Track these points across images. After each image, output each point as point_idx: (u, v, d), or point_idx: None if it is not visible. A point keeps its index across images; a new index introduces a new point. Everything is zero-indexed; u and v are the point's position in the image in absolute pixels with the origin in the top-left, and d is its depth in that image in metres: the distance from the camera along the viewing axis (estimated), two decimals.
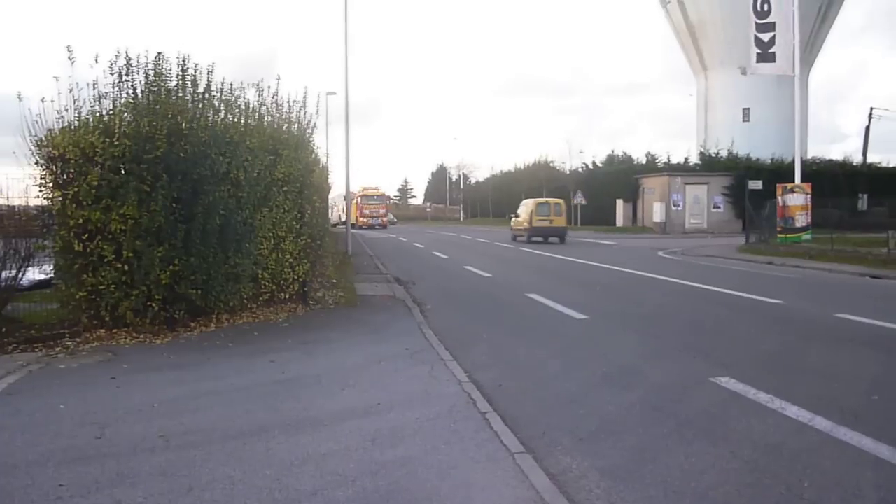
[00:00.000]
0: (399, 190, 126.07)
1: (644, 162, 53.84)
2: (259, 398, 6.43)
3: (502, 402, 6.21)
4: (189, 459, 4.86)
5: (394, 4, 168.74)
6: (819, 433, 5.26)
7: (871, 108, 46.59)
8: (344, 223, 64.74)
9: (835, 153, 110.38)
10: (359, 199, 63.73)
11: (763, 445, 5.06)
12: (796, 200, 25.29)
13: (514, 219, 36.40)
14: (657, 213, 44.68)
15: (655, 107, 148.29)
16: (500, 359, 8.26)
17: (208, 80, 10.25)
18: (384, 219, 66.21)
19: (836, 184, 37.27)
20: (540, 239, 32.69)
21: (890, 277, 16.13)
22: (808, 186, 25.53)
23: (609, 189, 50.17)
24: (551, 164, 65.78)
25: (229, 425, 5.63)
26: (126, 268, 9.06)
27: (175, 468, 4.72)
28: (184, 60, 9.94)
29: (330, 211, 61.02)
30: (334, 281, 14.68)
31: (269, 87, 11.86)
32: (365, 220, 63.67)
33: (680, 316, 11.25)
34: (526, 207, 34.45)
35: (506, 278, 17.21)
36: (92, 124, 9.32)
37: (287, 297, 11.38)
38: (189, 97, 9.97)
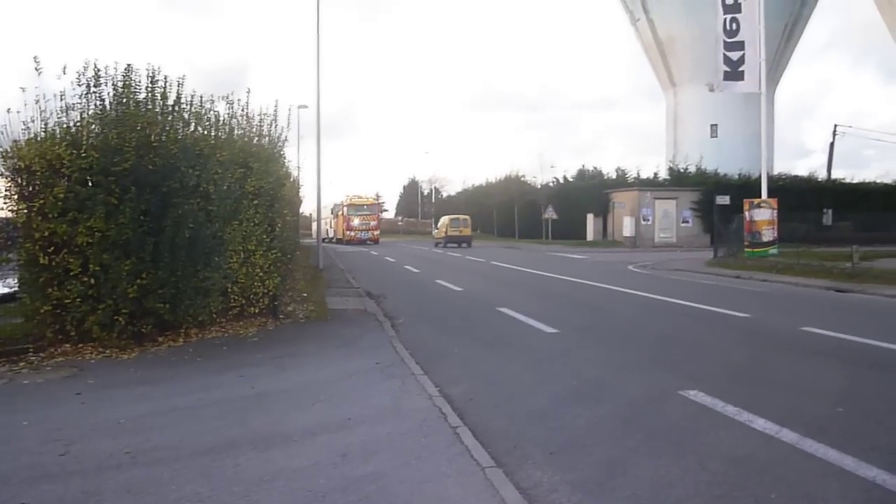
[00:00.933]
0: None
1: (614, 177, 54.34)
2: (228, 413, 6.37)
3: (473, 417, 6.21)
4: (156, 476, 4.79)
5: (366, 19, 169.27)
6: (786, 445, 5.33)
7: (836, 126, 47.66)
8: (331, 238, 61.02)
9: (800, 169, 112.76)
10: (345, 209, 57.37)
11: (731, 458, 5.11)
12: (763, 215, 25.67)
13: (435, 230, 56.48)
14: (627, 227, 45.09)
15: (625, 122, 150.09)
16: (471, 373, 8.26)
17: (178, 93, 10.19)
18: (375, 233, 57.36)
19: (802, 199, 37.94)
20: (455, 245, 47.28)
21: (854, 291, 16.41)
22: (774, 201, 25.93)
23: (580, 203, 50.53)
24: (522, 179, 66.20)
25: (197, 441, 5.56)
26: (93, 281, 8.94)
27: (142, 485, 4.65)
28: (153, 72, 9.88)
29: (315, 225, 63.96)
30: (305, 295, 14.60)
31: (239, 100, 11.81)
32: (353, 234, 55.83)
33: (650, 329, 11.34)
34: (443, 222, 51.52)
35: (477, 292, 17.24)
36: (59, 136, 9.22)
37: (257, 311, 11.30)
38: (158, 109, 9.91)
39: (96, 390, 7.22)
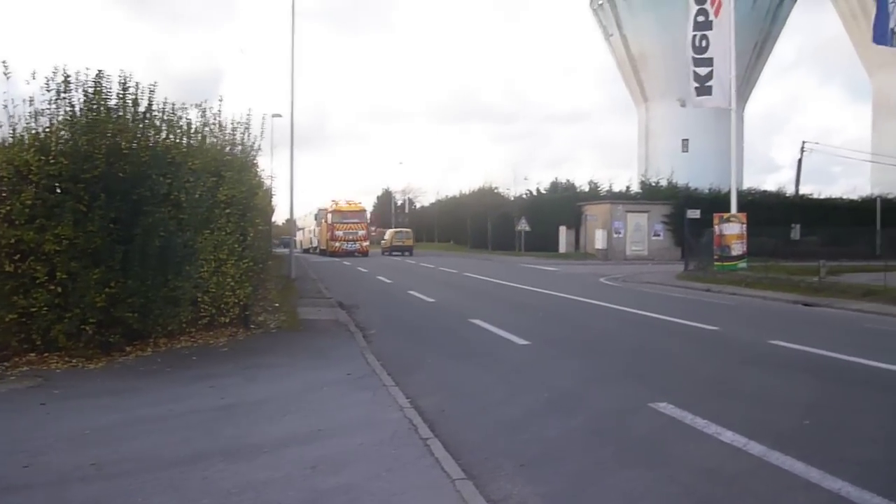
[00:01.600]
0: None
1: (587, 190, 54.71)
2: (197, 425, 6.29)
3: (444, 428, 6.20)
4: (123, 489, 4.72)
5: (340, 30, 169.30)
6: (753, 458, 5.37)
7: (804, 142, 48.29)
8: (314, 249, 58.48)
9: (769, 184, 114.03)
10: (329, 216, 51.75)
11: (700, 470, 5.15)
12: (732, 229, 25.98)
13: (383, 241, 61.11)
14: (599, 239, 45.37)
15: (598, 136, 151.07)
16: (442, 384, 8.25)
17: (150, 100, 10.11)
18: (364, 243, 51.67)
19: (771, 214, 38.38)
20: (398, 253, 55.33)
21: (821, 305, 16.66)
22: (743, 216, 26.27)
23: (552, 216, 50.77)
24: (496, 191, 66.47)
25: (166, 453, 5.49)
26: (60, 290, 8.80)
27: (108, 498, 4.58)
28: (125, 79, 9.79)
29: (299, 234, 57.06)
30: (277, 305, 14.50)
31: (212, 108, 11.75)
32: (338, 245, 50.29)
33: (621, 342, 11.42)
34: (390, 233, 60.96)
35: (449, 303, 17.24)
36: (27, 141, 9.09)
37: (228, 321, 11.19)
38: (129, 116, 9.81)
39: (62, 400, 7.11)
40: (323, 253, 53.18)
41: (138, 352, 9.45)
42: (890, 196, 43.98)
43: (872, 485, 4.68)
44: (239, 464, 5.22)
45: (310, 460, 5.26)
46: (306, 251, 60.65)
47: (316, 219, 58.27)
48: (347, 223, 51.16)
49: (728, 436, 5.87)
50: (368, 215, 55.06)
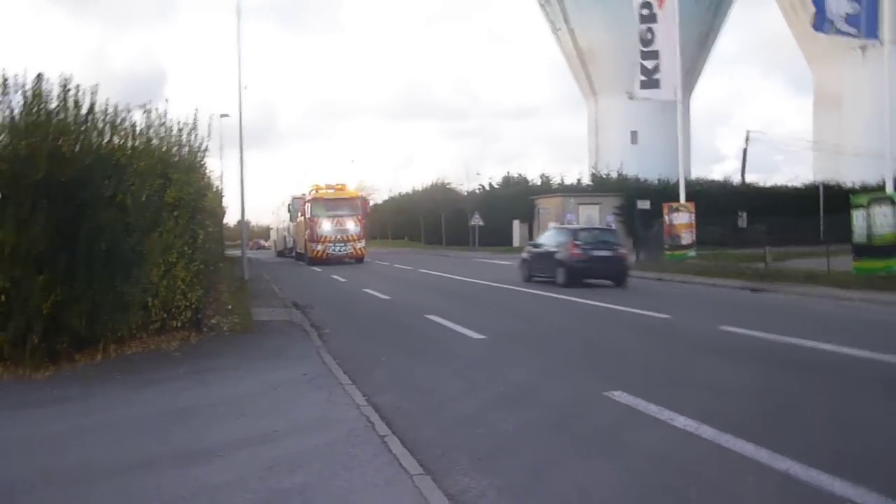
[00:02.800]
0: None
1: (539, 183, 55.14)
2: (148, 430, 6.18)
3: (402, 425, 6.19)
4: (72, 497, 4.63)
5: (287, 27, 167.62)
6: (705, 442, 5.49)
7: (748, 132, 49.33)
8: (289, 251, 45.15)
9: (716, 174, 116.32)
10: (308, 207, 36.79)
11: (654, 456, 5.24)
12: (681, 219, 26.46)
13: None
14: None
15: (548, 130, 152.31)
16: (399, 381, 8.25)
17: (92, 102, 9.85)
18: (358, 244, 36.27)
19: (718, 203, 39.11)
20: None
21: (768, 290, 17.07)
22: (692, 205, 26.76)
23: (506, 210, 51.06)
24: (449, 186, 66.45)
25: (116, 460, 5.38)
26: (2, 297, 8.55)
27: None
28: (65, 80, 9.53)
29: (272, 233, 56.27)
30: (230, 307, 14.29)
31: (157, 109, 11.50)
32: (321, 247, 35.28)
33: (575, 333, 11.55)
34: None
35: (405, 300, 17.22)
36: None
37: (179, 324, 10.99)
38: (71, 119, 9.55)
39: (8, 410, 6.91)
40: (300, 258, 39.10)
41: (87, 359, 9.22)
42: (831, 183, 45.19)
43: (818, 463, 4.81)
44: (192, 468, 5.14)
45: (265, 462, 5.21)
46: (281, 254, 49.93)
47: (290, 212, 43.25)
48: (334, 216, 35.63)
49: (681, 421, 5.98)
50: (363, 204, 38.36)
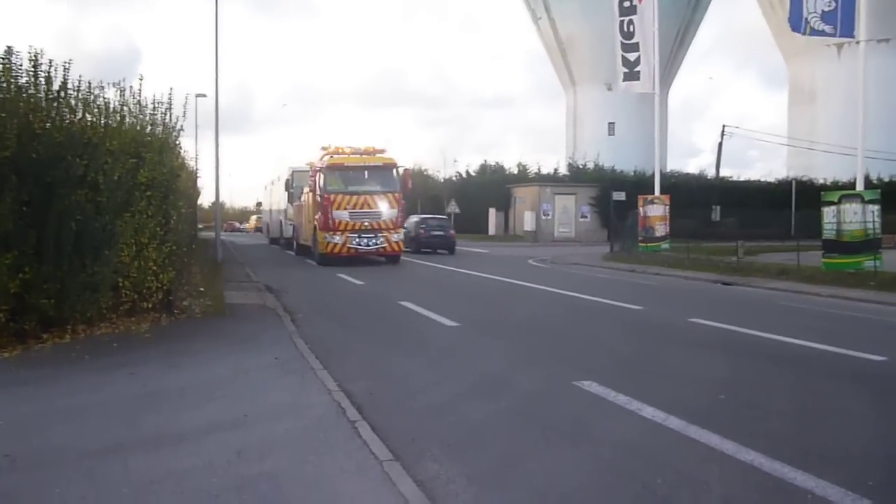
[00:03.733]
0: (257, 204, 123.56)
1: (516, 172, 55.15)
2: (117, 414, 6.13)
3: (373, 412, 6.19)
4: (38, 481, 4.57)
5: (263, 11, 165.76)
6: (672, 432, 5.56)
7: (724, 126, 49.66)
8: (284, 241, 33.65)
9: (691, 167, 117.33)
10: (320, 179, 24.19)
11: (622, 446, 5.30)
12: (656, 211, 26.64)
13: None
14: (528, 222, 45.89)
15: (527, 120, 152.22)
16: (371, 368, 8.25)
17: (64, 78, 9.69)
18: (394, 235, 24.16)
19: (692, 196, 39.55)
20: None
21: (739, 284, 17.27)
22: (666, 198, 26.95)
23: (482, 198, 51.06)
24: (426, 173, 66.26)
25: (83, 443, 5.33)
26: None
27: (22, 491, 4.43)
28: (36, 56, 9.35)
29: (265, 216, 44.59)
30: (202, 289, 14.19)
31: (131, 87, 11.34)
32: (340, 240, 23.45)
33: (548, 322, 11.61)
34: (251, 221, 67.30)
35: (378, 286, 17.20)
36: None
37: (150, 306, 10.89)
38: (42, 95, 9.40)
39: None
40: (304, 251, 27.63)
41: (56, 339, 9.11)
42: (804, 179, 45.76)
43: (781, 455, 4.90)
44: (160, 452, 5.11)
45: (234, 447, 5.19)
46: (275, 241, 38.86)
47: (289, 189, 31.84)
48: (361, 192, 23.87)
49: (649, 411, 6.05)
50: (401, 174, 25.03)
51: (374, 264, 23.72)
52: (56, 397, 6.70)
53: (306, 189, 26.44)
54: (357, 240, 23.23)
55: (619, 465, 4.90)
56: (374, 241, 23.48)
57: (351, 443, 5.29)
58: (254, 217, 76.69)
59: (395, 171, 24.39)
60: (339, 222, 23.17)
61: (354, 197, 23.43)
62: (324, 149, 25.51)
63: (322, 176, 23.69)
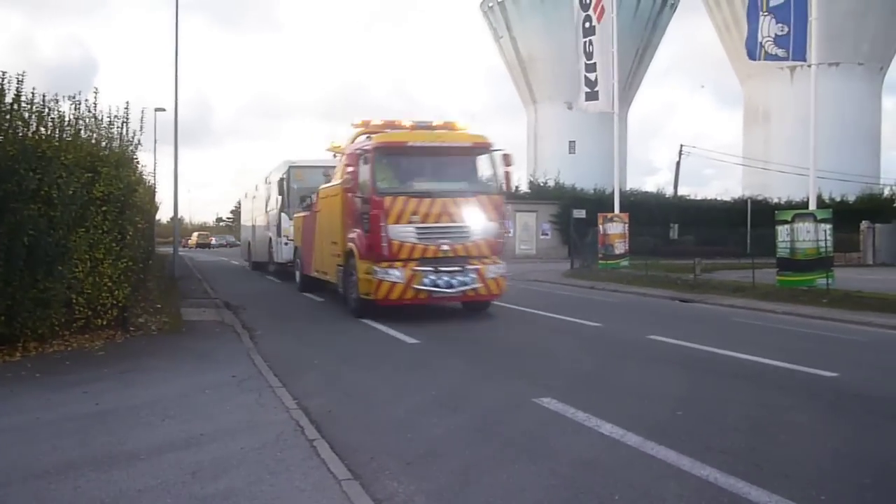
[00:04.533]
0: (233, 212, 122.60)
1: None
2: (68, 433, 5.99)
3: (331, 429, 6.14)
4: None
5: (223, 24, 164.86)
6: (630, 448, 5.60)
7: (682, 146, 50.73)
8: (283, 266, 23.35)
9: (649, 185, 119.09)
10: (366, 169, 13.41)
11: (580, 462, 5.32)
12: (615, 229, 26.94)
13: (189, 240, 62.69)
14: None
15: (488, 135, 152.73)
16: (330, 385, 8.19)
17: (17, 90, 9.54)
18: (490, 268, 13.61)
19: (651, 214, 40.06)
20: (202, 248, 66.32)
21: (696, 301, 17.52)
22: (626, 216, 27.28)
23: None
24: None
25: (33, 463, 5.19)
26: None
27: None
28: None
29: (245, 230, 31.71)
30: (159, 306, 13.97)
31: (87, 100, 11.19)
32: (406, 273, 12.83)
33: (507, 339, 11.64)
34: (194, 235, 69.95)
35: (339, 302, 17.07)
36: None
37: (105, 323, 10.69)
38: None
39: None
40: (313, 285, 18.61)
41: (6, 357, 8.90)
42: (759, 198, 46.67)
43: (736, 470, 4.98)
44: (113, 472, 5.00)
45: (189, 466, 5.10)
46: (260, 266, 28.58)
47: (285, 194, 23.47)
48: (431, 194, 13.43)
49: (607, 428, 6.10)
50: (499, 161, 14.46)
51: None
52: (4, 416, 6.53)
53: (322, 192, 16.98)
54: (432, 277, 13.07)
55: (577, 481, 4.92)
56: (460, 278, 13.25)
57: (308, 461, 5.24)
58: (195, 234, 75.00)
59: (488, 156, 14.49)
60: (401, 245, 13.01)
61: (426, 201, 13.22)
62: (361, 124, 15.41)
63: (368, 165, 13.44)
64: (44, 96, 10.12)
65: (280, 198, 23.23)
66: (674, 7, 62.62)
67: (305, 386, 7.89)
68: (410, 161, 13.72)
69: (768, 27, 18.53)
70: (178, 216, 26.60)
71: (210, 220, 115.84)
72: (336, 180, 15.64)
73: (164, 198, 25.20)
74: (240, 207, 37.64)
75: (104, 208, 10.53)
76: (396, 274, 12.71)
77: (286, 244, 22.43)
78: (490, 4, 62.74)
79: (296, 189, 22.27)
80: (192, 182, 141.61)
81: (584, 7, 26.96)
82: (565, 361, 9.65)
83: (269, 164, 27.84)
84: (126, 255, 11.01)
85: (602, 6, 26.34)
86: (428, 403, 7.23)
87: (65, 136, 10.45)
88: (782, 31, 18.34)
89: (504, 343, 11.22)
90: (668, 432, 5.97)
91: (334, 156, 17.80)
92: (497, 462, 5.37)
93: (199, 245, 68.98)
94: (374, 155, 13.20)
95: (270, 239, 25.18)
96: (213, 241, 78.09)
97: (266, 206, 26.49)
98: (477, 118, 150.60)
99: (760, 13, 18.60)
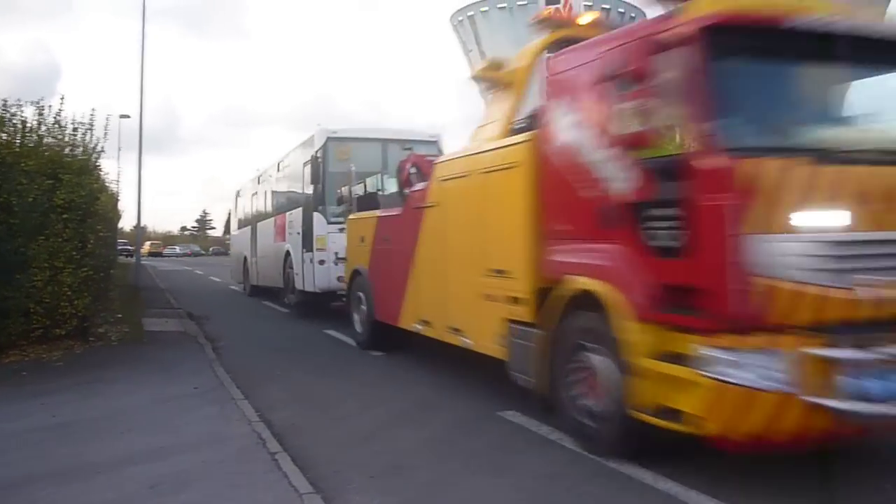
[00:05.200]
0: (198, 221, 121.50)
1: None
2: (25, 446, 5.88)
3: (294, 442, 6.10)
4: None
5: (191, 31, 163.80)
6: (593, 461, 5.63)
7: None
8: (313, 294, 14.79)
9: None
10: (673, 89, 4.79)
11: (542, 475, 5.34)
12: None
13: (142, 249, 47.91)
14: None
15: (458, 148, 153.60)
16: (294, 397, 8.12)
17: None
18: None
19: None
20: (153, 256, 64.26)
21: None
22: None
23: None
24: None
25: None
26: None
27: None
28: None
29: (236, 238, 24.30)
30: (120, 316, 13.77)
31: (50, 106, 11.03)
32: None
33: (471, 351, 11.64)
34: (147, 245, 59.80)
35: (305, 313, 16.95)
36: None
37: (64, 333, 10.50)
38: None
39: None
40: (386, 337, 10.75)
41: None
42: None
43: (696, 484, 5.02)
44: (72, 486, 4.92)
45: (150, 479, 5.03)
46: (261, 293, 20.58)
47: (316, 172, 14.49)
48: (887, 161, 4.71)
49: (570, 441, 6.12)
50: None
51: None
52: None
53: (449, 166, 8.69)
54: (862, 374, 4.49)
55: (539, 495, 4.95)
56: None
57: (270, 475, 5.19)
58: (148, 243, 73.52)
59: None
60: (798, 292, 4.52)
61: (878, 173, 4.78)
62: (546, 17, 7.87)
63: (690, 73, 4.77)
64: (5, 101, 9.98)
65: (312, 189, 14.49)
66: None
67: (268, 398, 7.82)
68: (809, 72, 5.23)
69: None
70: (142, 225, 26.20)
71: (175, 229, 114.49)
72: (506, 139, 7.31)
73: (127, 206, 25.36)
74: (231, 214, 26.60)
75: (65, 216, 10.36)
76: (775, 368, 4.49)
77: (322, 263, 14.11)
78: (460, 18, 63.23)
79: (336, 175, 13.89)
80: (157, 190, 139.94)
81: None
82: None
83: (240, 175, 26.76)
84: (87, 264, 10.83)
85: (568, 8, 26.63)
86: (394, 416, 7.21)
87: (26, 142, 10.30)
88: None
89: (470, 355, 11.21)
90: None
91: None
92: (462, 475, 5.37)
93: (150, 254, 68.01)
94: (711, 49, 4.70)
95: (288, 254, 16.35)
96: (165, 250, 78.47)
97: (275, 204, 18.42)
98: (447, 130, 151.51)
99: None
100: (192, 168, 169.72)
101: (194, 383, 8.34)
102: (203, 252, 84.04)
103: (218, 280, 30.53)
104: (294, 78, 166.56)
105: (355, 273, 11.49)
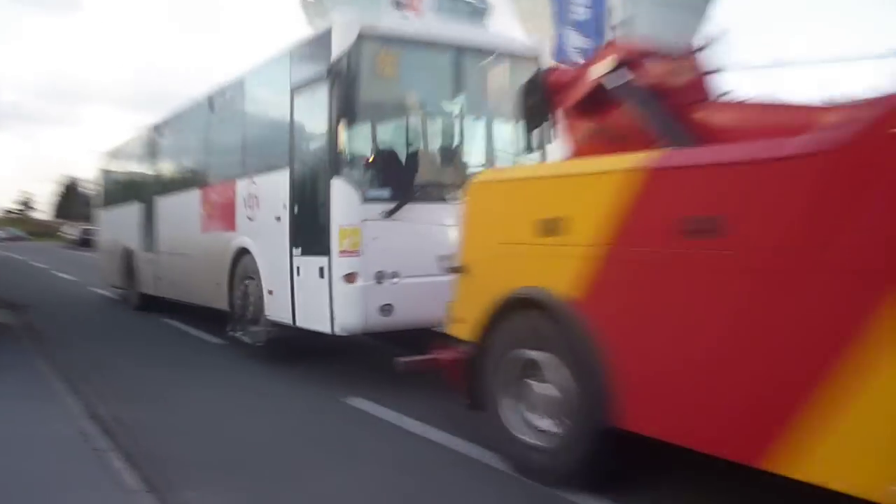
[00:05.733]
0: (22, 203, 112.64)
1: None
2: None
3: (126, 438, 5.71)
4: None
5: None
6: (431, 442, 5.68)
7: None
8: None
9: None
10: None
11: (387, 459, 5.34)
12: None
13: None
14: None
15: None
16: (126, 390, 7.65)
17: None
18: None
19: None
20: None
21: None
22: None
23: None
24: None
25: None
26: None
27: None
28: None
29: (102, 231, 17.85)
30: None
31: None
32: None
33: (314, 338, 11.46)
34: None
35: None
36: None
37: None
38: None
39: None
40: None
41: None
42: None
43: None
44: None
45: None
46: (154, 306, 13.34)
47: (331, 101, 7.13)
48: None
49: (410, 423, 6.15)
50: None
51: None
52: None
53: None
54: None
55: (387, 479, 4.93)
56: None
57: (97, 474, 4.83)
58: None
59: None
60: None
61: None
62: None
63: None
64: None
65: (324, 136, 7.38)
66: (483, 14, 64.57)
67: (98, 392, 7.29)
68: None
69: (574, 39, 19.73)
70: None
71: None
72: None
73: None
74: (96, 187, 18.35)
75: None
76: None
77: (350, 279, 7.20)
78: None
79: (374, 107, 7.81)
80: None
81: (398, 6, 27.24)
82: (376, 360, 9.63)
83: (74, 156, 24.30)
84: None
85: (415, 6, 26.78)
86: (235, 407, 6.98)
87: None
88: (587, 44, 19.61)
89: (315, 343, 11.03)
90: (462, 424, 5.89)
91: None
92: (308, 466, 5.27)
93: None
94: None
95: (245, 253, 9.39)
96: None
97: (208, 164, 11.12)
98: None
99: (565, 27, 19.79)
100: (10, 146, 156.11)
101: (13, 379, 7.65)
102: (26, 236, 77.46)
103: (43, 266, 28.31)
104: (126, 51, 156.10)
105: (516, 304, 4.85)
